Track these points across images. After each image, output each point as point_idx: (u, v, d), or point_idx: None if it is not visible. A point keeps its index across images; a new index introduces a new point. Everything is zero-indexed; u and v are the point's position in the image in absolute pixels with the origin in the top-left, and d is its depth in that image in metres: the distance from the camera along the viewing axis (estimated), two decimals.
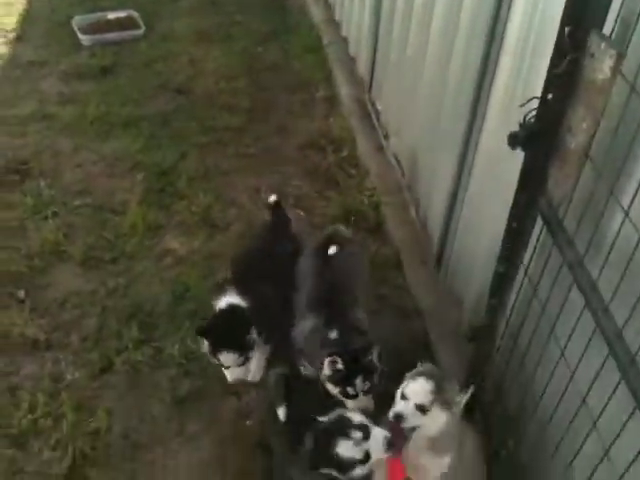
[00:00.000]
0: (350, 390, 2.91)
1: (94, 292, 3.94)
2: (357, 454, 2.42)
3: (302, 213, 3.64)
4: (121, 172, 4.87)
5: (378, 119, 5.13)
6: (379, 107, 5.12)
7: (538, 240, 2.39)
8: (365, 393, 2.93)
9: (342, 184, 4.77)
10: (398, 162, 4.68)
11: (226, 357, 3.12)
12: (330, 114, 5.46)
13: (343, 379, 2.90)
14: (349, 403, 2.94)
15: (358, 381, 2.89)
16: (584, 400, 2.10)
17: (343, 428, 2.47)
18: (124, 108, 5.49)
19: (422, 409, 2.49)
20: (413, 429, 2.54)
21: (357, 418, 2.52)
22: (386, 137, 4.93)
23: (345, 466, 2.43)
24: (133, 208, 4.46)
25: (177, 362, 3.52)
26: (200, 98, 5.67)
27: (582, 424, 2.14)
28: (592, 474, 2.09)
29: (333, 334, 3.06)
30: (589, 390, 2.07)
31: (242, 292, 3.27)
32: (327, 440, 2.46)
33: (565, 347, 2.21)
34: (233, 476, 3.06)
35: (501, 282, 2.50)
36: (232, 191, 4.72)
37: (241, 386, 3.43)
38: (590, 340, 2.02)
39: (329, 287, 3.26)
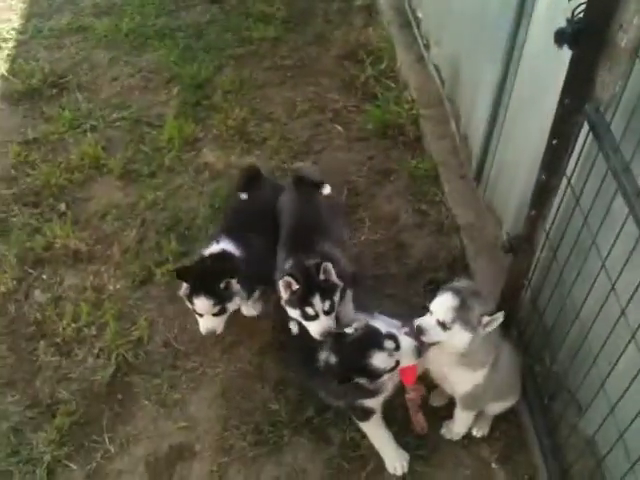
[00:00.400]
0: (309, 310, 2.74)
1: (134, 205, 3.99)
2: (389, 364, 2.47)
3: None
4: (157, 85, 4.84)
5: (418, 28, 4.93)
6: (419, 15, 4.91)
7: (582, 149, 2.29)
8: (326, 313, 2.76)
9: (380, 97, 4.64)
10: (439, 73, 4.51)
11: (201, 303, 2.91)
12: (369, 23, 5.28)
13: (300, 299, 2.75)
14: (311, 326, 2.77)
15: (316, 300, 2.73)
16: (623, 312, 2.05)
17: (375, 339, 2.49)
18: (159, 19, 5.41)
19: (443, 325, 2.46)
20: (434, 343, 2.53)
21: (384, 327, 2.55)
22: (427, 47, 4.74)
23: (376, 375, 2.49)
24: (170, 122, 4.44)
25: None
26: (235, 8, 5.54)
27: (620, 337, 2.10)
28: (629, 387, 2.07)
29: (288, 264, 2.93)
30: (629, 302, 2.01)
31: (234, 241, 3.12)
32: (360, 352, 2.48)
33: (606, 258, 2.14)
34: (272, 385, 3.13)
35: (543, 192, 2.42)
36: (268, 104, 4.66)
37: None
38: (633, 250, 1.96)
39: (295, 224, 3.17)
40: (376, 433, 2.85)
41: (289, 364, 3.11)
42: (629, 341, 2.01)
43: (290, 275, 2.76)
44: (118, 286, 3.53)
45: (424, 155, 4.26)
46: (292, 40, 5.17)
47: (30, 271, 3.62)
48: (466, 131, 4.06)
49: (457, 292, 2.48)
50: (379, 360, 2.46)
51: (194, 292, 2.90)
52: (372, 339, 2.50)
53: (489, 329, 2.47)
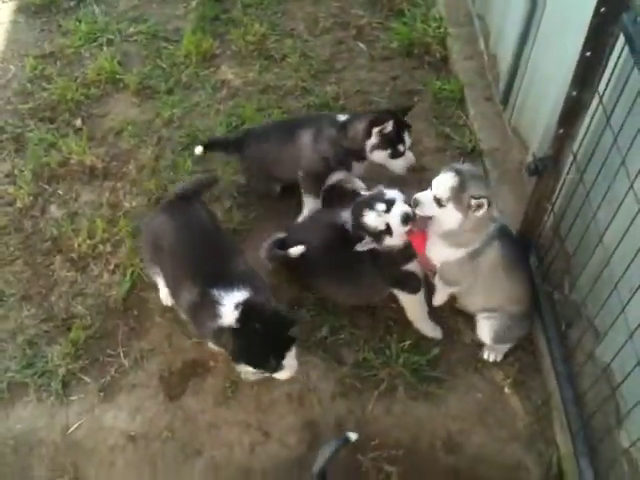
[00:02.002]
0: (401, 147, 3.14)
1: (150, 122, 3.92)
2: (379, 224, 2.67)
3: None
4: None
5: None
6: None
7: (616, 64, 2.15)
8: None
9: (407, 13, 4.44)
10: None
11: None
12: None
13: (394, 138, 3.11)
14: (399, 163, 3.21)
15: (406, 135, 3.14)
16: None
17: (372, 201, 2.70)
18: None
19: (439, 202, 2.55)
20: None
21: (390, 193, 2.73)
22: None
23: (373, 233, 2.69)
24: (187, 36, 4.30)
25: (230, 194, 3.53)
26: None
27: None
28: None
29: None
30: None
31: None
32: (358, 210, 2.73)
33: (635, 179, 2.04)
34: (286, 304, 3.09)
35: (573, 109, 2.30)
36: (289, 20, 4.49)
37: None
38: None
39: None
40: (420, 307, 2.97)
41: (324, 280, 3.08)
42: None
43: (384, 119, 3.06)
44: (134, 203, 3.50)
45: (450, 76, 4.11)
46: None
47: (46, 187, 3.60)
48: (495, 50, 3.88)
49: (459, 173, 2.55)
50: (370, 219, 2.68)
51: None
52: (369, 201, 2.72)
53: (477, 214, 2.52)
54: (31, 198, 3.52)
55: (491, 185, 2.72)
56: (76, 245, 3.30)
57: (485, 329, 2.89)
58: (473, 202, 2.49)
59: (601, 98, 2.21)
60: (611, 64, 2.17)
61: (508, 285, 2.78)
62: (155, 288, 3.13)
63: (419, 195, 2.62)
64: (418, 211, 2.63)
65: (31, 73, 4.17)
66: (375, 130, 3.08)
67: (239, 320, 2.46)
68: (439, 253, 2.74)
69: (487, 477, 2.70)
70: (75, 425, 2.80)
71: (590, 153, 2.37)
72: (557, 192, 2.69)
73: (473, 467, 2.71)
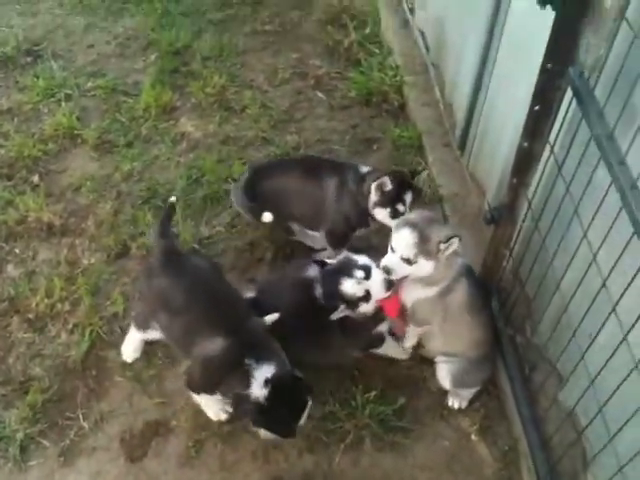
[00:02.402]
0: (400, 207, 3.03)
1: (109, 176, 3.89)
2: (358, 292, 2.65)
3: None
4: (134, 52, 4.72)
5: None
6: None
7: (565, 115, 2.21)
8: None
9: (364, 63, 4.55)
10: (424, 38, 4.41)
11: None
12: None
13: (394, 197, 3.02)
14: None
15: (408, 197, 3.05)
16: (604, 284, 1.99)
17: (348, 268, 2.68)
18: None
19: (408, 261, 2.56)
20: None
21: (362, 260, 2.71)
22: (412, 11, 4.63)
23: (350, 302, 2.66)
24: (147, 90, 4.32)
25: (192, 247, 3.49)
26: None
27: (601, 308, 2.04)
28: (609, 358, 2.02)
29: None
30: (610, 273, 1.95)
31: None
32: (333, 278, 2.68)
33: (588, 228, 2.07)
34: None
35: (525, 159, 2.35)
36: (248, 71, 4.56)
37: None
38: (614, 221, 1.89)
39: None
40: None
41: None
42: (610, 313, 1.95)
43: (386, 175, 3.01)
44: (93, 260, 3.45)
45: (408, 123, 4.18)
46: (273, 4, 5.04)
47: (3, 245, 3.52)
48: (451, 99, 3.97)
49: (414, 226, 2.55)
50: (348, 287, 2.65)
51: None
52: (345, 268, 2.70)
53: (448, 253, 2.55)
54: None
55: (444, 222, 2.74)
56: (34, 305, 3.22)
57: (444, 373, 2.90)
58: (442, 246, 2.52)
59: (552, 148, 2.26)
60: (561, 114, 2.22)
61: (472, 327, 2.79)
62: (114, 346, 3.08)
63: (386, 262, 2.61)
64: (392, 277, 2.62)
65: None
66: (373, 186, 3.03)
67: (268, 398, 2.47)
68: (412, 294, 2.75)
69: None
70: None
71: (544, 202, 2.40)
72: (515, 238, 2.72)
73: None
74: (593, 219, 2.05)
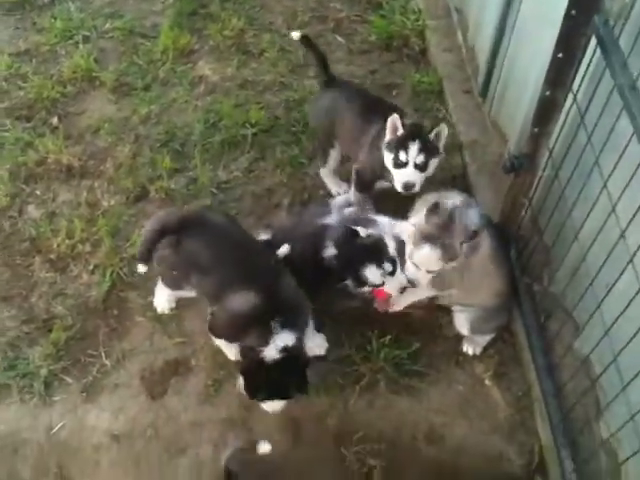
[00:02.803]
0: (402, 155, 2.89)
1: (127, 119, 3.88)
2: (377, 282, 2.68)
3: None
4: None
5: None
6: None
7: (589, 64, 2.17)
8: (417, 167, 2.91)
9: (385, 6, 4.44)
10: None
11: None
12: None
13: (399, 141, 2.90)
14: (397, 174, 2.95)
15: (413, 147, 2.88)
16: (623, 234, 1.99)
17: (378, 255, 2.65)
18: None
19: (433, 272, 2.53)
20: None
21: (391, 248, 2.65)
22: None
23: (363, 284, 2.70)
24: (165, 32, 4.26)
25: (210, 192, 3.50)
26: None
27: (619, 258, 2.05)
28: (626, 308, 2.03)
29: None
30: (629, 224, 1.95)
31: None
32: (360, 259, 2.66)
33: (608, 178, 2.06)
34: None
35: (547, 108, 2.32)
36: (267, 14, 4.47)
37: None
38: (635, 172, 1.88)
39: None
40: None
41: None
42: (627, 263, 1.96)
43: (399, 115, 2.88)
44: (112, 202, 3.48)
45: (429, 69, 4.11)
46: None
47: (23, 187, 3.55)
48: (473, 43, 3.90)
49: (433, 240, 2.41)
50: (371, 274, 2.66)
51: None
52: (375, 253, 2.66)
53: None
54: (8, 198, 3.48)
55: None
56: (55, 245, 3.27)
57: (461, 321, 2.92)
58: (467, 246, 2.43)
59: (575, 97, 2.23)
60: (585, 62, 2.18)
61: (493, 280, 2.77)
62: (135, 288, 3.15)
63: (413, 276, 2.57)
64: (419, 287, 2.65)
65: (6, 72, 4.11)
66: (389, 121, 2.91)
67: (275, 364, 2.52)
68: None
69: (469, 468, 2.73)
70: (59, 425, 2.79)
71: (565, 151, 2.39)
72: (534, 187, 2.71)
73: (455, 459, 2.74)
74: (614, 170, 2.04)
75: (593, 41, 2.06)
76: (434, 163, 2.96)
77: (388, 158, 2.96)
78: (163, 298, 3.03)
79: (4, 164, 3.62)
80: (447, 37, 4.19)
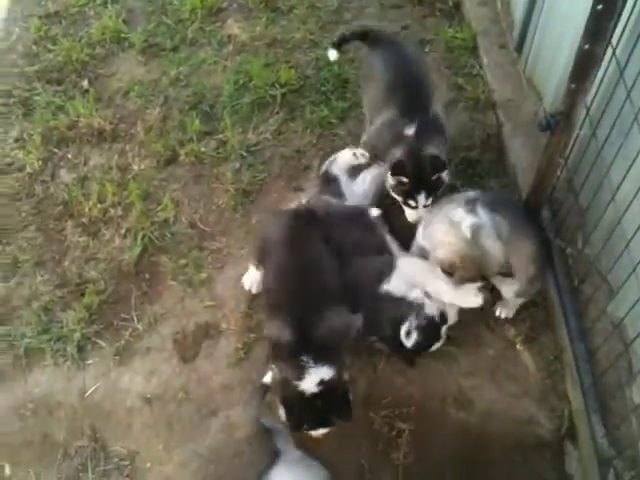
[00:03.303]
0: (412, 203, 2.83)
1: (156, 81, 3.87)
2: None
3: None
4: None
5: None
6: None
7: (630, 15, 2.06)
8: (425, 206, 2.85)
9: None
10: None
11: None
12: None
13: (406, 193, 2.82)
14: (407, 210, 2.90)
15: (421, 197, 2.80)
16: None
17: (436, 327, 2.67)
18: None
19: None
20: None
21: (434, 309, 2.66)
22: None
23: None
24: None
25: (239, 154, 3.48)
26: None
27: None
28: None
29: (410, 130, 2.85)
30: None
31: None
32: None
33: None
34: None
35: (585, 62, 2.21)
36: None
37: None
38: None
39: (407, 76, 2.99)
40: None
41: None
42: None
43: (400, 167, 2.75)
44: (143, 166, 3.49)
45: (462, 24, 3.99)
46: None
47: (55, 151, 3.58)
48: None
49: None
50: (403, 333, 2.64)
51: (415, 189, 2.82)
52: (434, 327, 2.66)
53: None
54: (40, 163, 3.51)
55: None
56: (87, 209, 3.30)
57: (505, 286, 2.86)
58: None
59: (614, 51, 2.12)
60: (625, 14, 2.07)
61: (521, 251, 2.72)
62: (166, 251, 3.18)
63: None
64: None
65: (36, 34, 4.12)
66: (389, 175, 2.83)
67: (313, 395, 2.46)
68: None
69: (499, 432, 2.71)
70: (92, 388, 2.84)
71: (603, 108, 2.29)
72: (570, 146, 2.62)
73: (484, 423, 2.72)
74: None
75: None
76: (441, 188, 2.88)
77: (395, 196, 2.90)
78: (252, 277, 3.01)
79: (36, 128, 3.64)
80: None
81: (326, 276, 2.66)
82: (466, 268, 2.58)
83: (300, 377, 2.44)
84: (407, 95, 2.94)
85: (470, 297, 2.65)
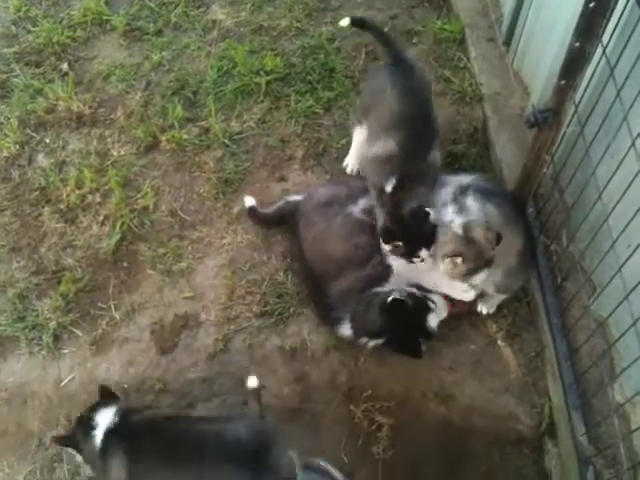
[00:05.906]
0: (416, 260, 2.70)
1: (138, 65, 3.79)
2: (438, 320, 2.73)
3: None
4: None
5: None
6: None
7: (621, 14, 2.04)
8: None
9: None
10: None
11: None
12: None
13: (407, 254, 2.69)
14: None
15: (423, 252, 2.66)
16: None
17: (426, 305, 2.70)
18: None
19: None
20: None
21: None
22: None
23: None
24: None
25: (222, 142, 3.42)
26: None
27: None
28: None
29: (388, 186, 2.71)
30: None
31: None
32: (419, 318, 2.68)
33: (638, 136, 1.95)
34: (279, 257, 3.08)
35: (575, 59, 2.19)
36: None
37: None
38: None
39: (415, 116, 2.82)
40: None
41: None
42: None
43: (390, 234, 2.65)
44: (122, 152, 3.42)
45: (450, 15, 3.94)
46: None
47: (33, 134, 3.51)
48: None
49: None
50: (432, 320, 2.66)
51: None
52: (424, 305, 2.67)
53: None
54: (17, 147, 3.44)
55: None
56: (64, 195, 3.23)
57: (486, 281, 2.83)
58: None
59: (605, 49, 2.10)
60: (617, 14, 2.05)
61: (510, 241, 2.67)
62: (145, 240, 3.13)
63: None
64: None
65: (15, 15, 4.02)
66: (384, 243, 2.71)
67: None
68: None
69: (479, 427, 2.70)
70: (68, 378, 2.80)
71: (592, 106, 2.27)
72: (557, 143, 2.60)
73: (465, 417, 2.71)
74: None
75: None
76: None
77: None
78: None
79: (13, 111, 3.57)
80: None
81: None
82: (469, 260, 2.54)
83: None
84: (410, 136, 2.79)
85: (462, 292, 2.72)
